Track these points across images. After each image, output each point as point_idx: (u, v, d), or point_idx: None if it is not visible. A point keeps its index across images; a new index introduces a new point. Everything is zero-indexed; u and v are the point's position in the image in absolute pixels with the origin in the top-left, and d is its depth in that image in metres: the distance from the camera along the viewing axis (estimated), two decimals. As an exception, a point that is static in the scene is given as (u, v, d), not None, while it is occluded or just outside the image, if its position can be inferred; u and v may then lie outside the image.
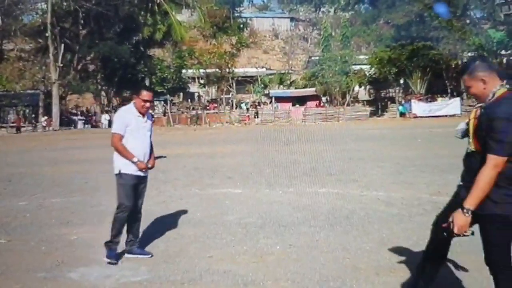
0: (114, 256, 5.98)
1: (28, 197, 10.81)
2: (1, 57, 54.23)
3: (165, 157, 16.75)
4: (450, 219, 3.62)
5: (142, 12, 55.88)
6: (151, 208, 8.35)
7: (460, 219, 3.54)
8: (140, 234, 6.47)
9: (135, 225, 6.27)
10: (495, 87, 3.67)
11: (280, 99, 55.46)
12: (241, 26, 68.02)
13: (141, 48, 56.57)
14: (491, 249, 3.68)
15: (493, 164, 3.47)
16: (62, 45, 50.31)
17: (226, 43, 59.79)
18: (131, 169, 5.96)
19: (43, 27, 51.21)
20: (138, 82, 55.96)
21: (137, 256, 6.12)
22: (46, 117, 49.19)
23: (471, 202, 3.52)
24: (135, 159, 5.91)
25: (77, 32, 51.99)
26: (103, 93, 57.79)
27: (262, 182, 11.82)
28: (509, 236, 3.65)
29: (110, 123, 50.14)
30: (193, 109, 54.20)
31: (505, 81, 3.75)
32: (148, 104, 6.02)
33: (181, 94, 59.21)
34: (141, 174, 6.06)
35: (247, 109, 53.53)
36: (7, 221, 8.47)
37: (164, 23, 54.83)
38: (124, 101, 58.11)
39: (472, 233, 3.64)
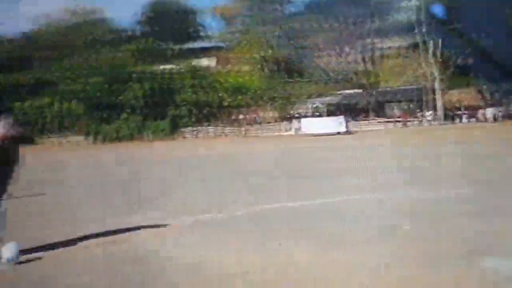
0: None
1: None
2: (381, 55, 57.04)
3: None
4: None
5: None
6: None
7: None
8: None
9: None
10: None
11: None
12: None
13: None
14: None
15: None
16: (440, 40, 50.38)
17: None
18: None
19: (418, 24, 51.99)
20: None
21: None
22: (430, 112, 50.12)
23: None
24: None
25: (453, 27, 51.18)
26: (484, 87, 55.96)
27: None
28: None
29: (495, 117, 48.42)
30: None
31: None
32: None
33: None
34: None
35: None
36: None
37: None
38: (508, 95, 55.26)
39: None
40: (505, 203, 8.93)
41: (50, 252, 6.81)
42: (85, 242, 7.30)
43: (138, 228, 8.06)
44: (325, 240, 6.94)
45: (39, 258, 6.52)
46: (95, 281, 5.68)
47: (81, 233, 7.65)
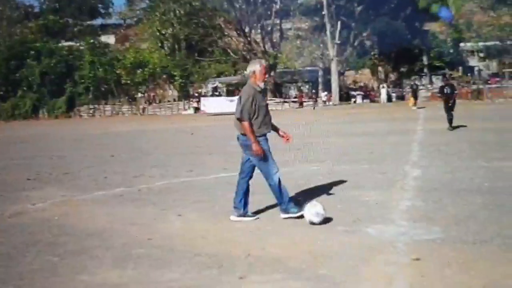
0: None
1: (319, 163, 11.77)
2: (281, 36, 57.95)
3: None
4: None
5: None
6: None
7: None
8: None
9: None
10: None
11: None
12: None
13: (416, 23, 55.56)
14: None
15: None
16: (339, 22, 51.84)
17: (507, 14, 55.44)
18: None
19: (319, 6, 53.27)
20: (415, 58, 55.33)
21: None
22: (326, 93, 51.64)
23: None
24: None
25: (353, 9, 52.90)
26: (380, 68, 58.39)
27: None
28: None
29: (389, 97, 50.51)
30: (474, 83, 51.64)
31: None
32: None
33: (460, 68, 56.85)
34: None
35: None
36: (303, 182, 9.28)
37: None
38: (401, 77, 58.15)
39: None
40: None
41: None
42: None
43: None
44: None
45: None
46: None
47: None
